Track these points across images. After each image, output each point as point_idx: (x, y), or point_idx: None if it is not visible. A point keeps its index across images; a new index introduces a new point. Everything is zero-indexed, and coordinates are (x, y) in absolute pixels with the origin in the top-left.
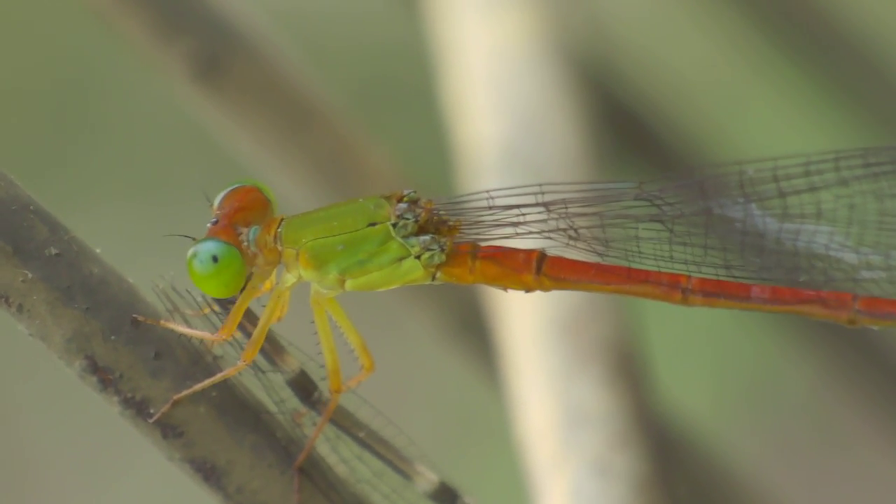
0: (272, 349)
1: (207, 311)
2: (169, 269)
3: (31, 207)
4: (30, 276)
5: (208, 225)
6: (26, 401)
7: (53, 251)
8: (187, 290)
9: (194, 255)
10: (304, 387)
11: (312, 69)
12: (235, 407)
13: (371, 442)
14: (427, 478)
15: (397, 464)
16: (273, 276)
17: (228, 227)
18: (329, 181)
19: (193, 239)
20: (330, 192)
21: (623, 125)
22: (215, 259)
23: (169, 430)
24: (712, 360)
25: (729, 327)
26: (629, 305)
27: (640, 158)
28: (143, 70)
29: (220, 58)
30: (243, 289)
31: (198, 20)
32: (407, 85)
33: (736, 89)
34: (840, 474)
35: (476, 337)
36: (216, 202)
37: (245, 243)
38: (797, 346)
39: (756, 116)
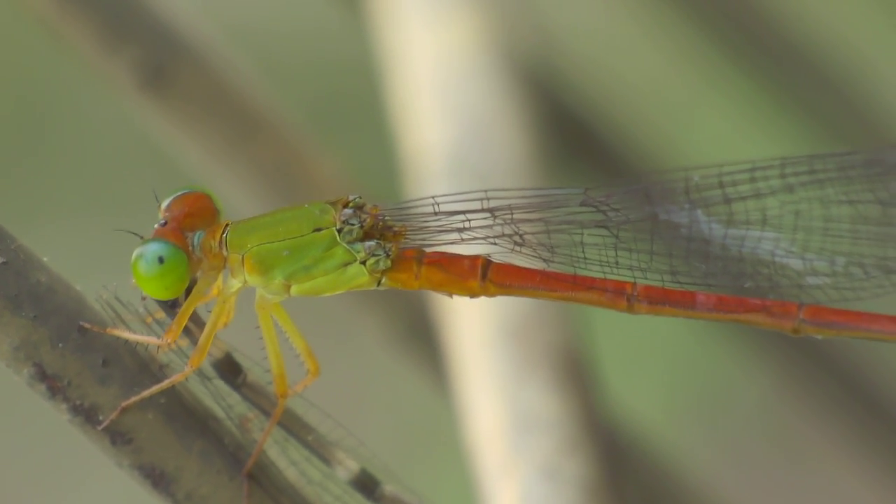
0: (198, 331)
1: (151, 320)
2: (121, 281)
3: None
4: None
5: (155, 226)
6: None
7: (0, 260)
8: (142, 300)
9: (140, 256)
10: (229, 369)
11: (264, 83)
12: (183, 413)
13: (311, 442)
14: (348, 465)
15: (322, 453)
16: (220, 282)
17: (177, 230)
18: (276, 189)
19: (141, 237)
20: (277, 200)
21: (571, 133)
22: (161, 260)
23: (118, 436)
24: (665, 368)
25: (682, 336)
26: (579, 312)
27: (588, 166)
28: (93, 86)
29: (165, 67)
30: (188, 293)
31: (143, 30)
32: (356, 97)
33: (684, 98)
34: (791, 483)
35: (424, 343)
36: (164, 205)
37: (191, 247)
38: (750, 354)
39: (704, 125)
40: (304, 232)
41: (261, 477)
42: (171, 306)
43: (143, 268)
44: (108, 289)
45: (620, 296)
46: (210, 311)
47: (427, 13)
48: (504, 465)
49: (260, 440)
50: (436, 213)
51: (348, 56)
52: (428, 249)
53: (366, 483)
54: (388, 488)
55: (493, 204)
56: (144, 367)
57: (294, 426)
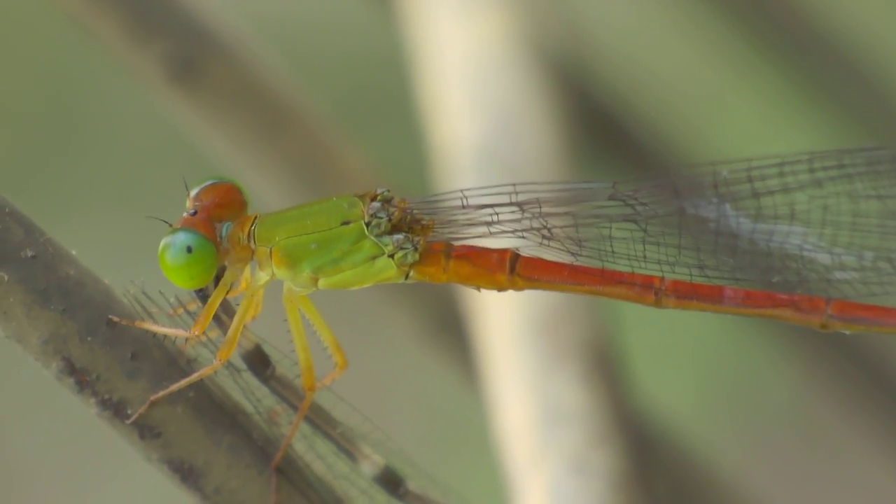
0: (229, 320)
1: (175, 314)
2: (150, 275)
3: (7, 210)
4: (6, 278)
5: (184, 215)
6: (6, 407)
7: (29, 253)
8: (160, 292)
9: (169, 244)
10: (258, 361)
11: (293, 76)
12: (212, 408)
13: (337, 436)
14: (374, 460)
15: (348, 448)
16: (248, 275)
17: (206, 220)
18: (305, 182)
19: (170, 225)
20: (306, 194)
21: (599, 126)
22: (189, 250)
23: (146, 430)
24: (693, 361)
25: (710, 330)
26: (608, 305)
27: (617, 160)
28: (122, 80)
29: (194, 60)
30: (216, 285)
31: (172, 23)
32: (385, 90)
33: (713, 91)
34: (823, 477)
35: (453, 337)
36: (193, 193)
37: (219, 238)
38: (779, 348)
39: (734, 118)
40: (332, 225)
41: (289, 471)
42: (199, 297)
43: (171, 257)
44: (135, 283)
45: (648, 290)
46: (238, 305)
47: (456, 7)
48: (532, 458)
49: (288, 434)
50: (464, 207)
51: (378, 49)
52: (456, 243)
53: (390, 480)
54: (413, 485)
55: (521, 197)
56: (173, 361)
57: (320, 420)
